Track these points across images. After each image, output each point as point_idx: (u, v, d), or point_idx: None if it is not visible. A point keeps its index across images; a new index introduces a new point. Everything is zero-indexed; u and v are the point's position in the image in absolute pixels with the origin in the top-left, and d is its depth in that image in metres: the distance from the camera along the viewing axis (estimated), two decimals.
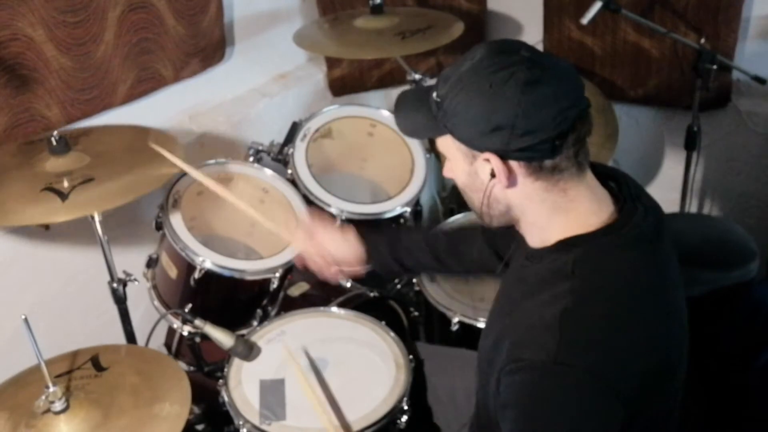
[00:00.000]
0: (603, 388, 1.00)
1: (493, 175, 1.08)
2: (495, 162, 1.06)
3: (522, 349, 1.04)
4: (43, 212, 1.50)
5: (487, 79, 1.03)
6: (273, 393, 1.57)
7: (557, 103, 1.02)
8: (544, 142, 1.03)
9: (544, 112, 1.02)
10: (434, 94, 1.10)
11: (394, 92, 2.98)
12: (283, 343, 1.65)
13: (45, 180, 1.57)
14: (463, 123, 1.06)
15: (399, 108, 1.20)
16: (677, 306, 1.16)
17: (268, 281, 1.80)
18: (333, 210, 1.93)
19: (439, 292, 1.91)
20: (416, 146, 2.15)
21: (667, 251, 1.17)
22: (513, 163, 1.07)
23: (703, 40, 2.10)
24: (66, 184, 1.55)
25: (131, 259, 1.91)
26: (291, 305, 1.93)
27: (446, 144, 1.13)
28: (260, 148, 2.09)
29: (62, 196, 1.52)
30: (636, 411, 1.03)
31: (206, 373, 1.86)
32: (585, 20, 2.08)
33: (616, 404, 1.00)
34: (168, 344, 2.02)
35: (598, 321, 1.03)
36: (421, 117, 1.13)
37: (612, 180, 1.19)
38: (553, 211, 1.11)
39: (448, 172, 1.18)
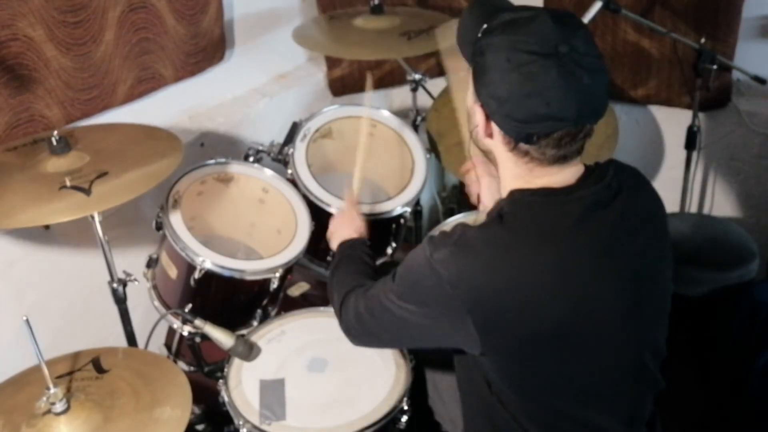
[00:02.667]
0: (450, 284, 1.14)
1: (477, 124, 1.21)
2: (481, 116, 1.19)
3: (431, 239, 1.20)
4: (71, 208, 1.50)
5: (510, 56, 1.10)
6: (273, 393, 1.57)
7: (546, 109, 1.08)
8: (520, 130, 1.13)
9: (530, 109, 1.09)
10: (481, 32, 1.17)
11: (395, 92, 2.99)
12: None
13: (56, 179, 1.57)
14: (478, 71, 1.16)
15: (468, 12, 1.28)
16: (610, 273, 1.17)
17: (268, 281, 1.80)
18: (333, 210, 1.93)
19: None
20: (416, 146, 2.15)
21: (619, 224, 1.19)
22: (494, 126, 1.18)
23: (703, 40, 2.10)
24: (80, 180, 1.56)
25: (131, 259, 1.91)
26: (291, 305, 1.93)
27: (468, 72, 1.23)
28: (260, 148, 2.09)
29: (85, 191, 1.53)
30: (497, 340, 1.16)
31: (206, 373, 1.86)
32: (585, 20, 2.08)
33: (460, 305, 1.14)
34: (168, 344, 2.02)
35: (487, 247, 1.15)
36: (468, 35, 1.21)
37: (611, 170, 1.23)
38: (516, 178, 1.21)
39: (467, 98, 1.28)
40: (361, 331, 1.36)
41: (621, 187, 1.20)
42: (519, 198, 1.19)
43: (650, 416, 1.31)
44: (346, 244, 1.60)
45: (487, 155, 1.28)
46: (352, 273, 1.49)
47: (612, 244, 1.17)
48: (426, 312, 1.20)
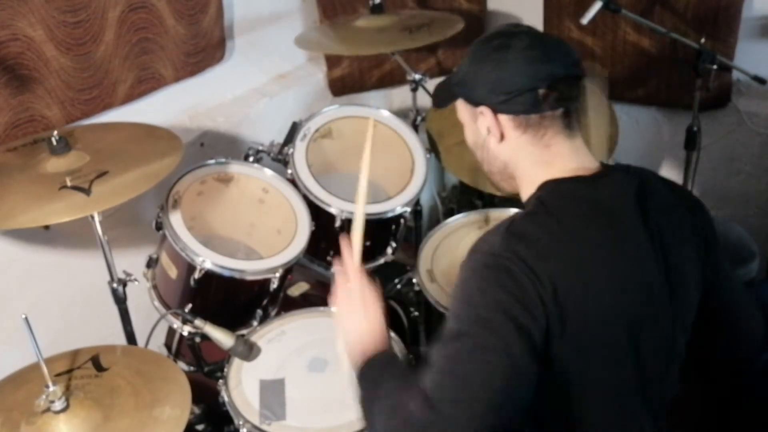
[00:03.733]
0: (523, 266, 1.08)
1: (489, 131, 1.23)
2: (487, 115, 1.22)
3: (475, 244, 1.17)
4: (71, 208, 1.50)
5: (485, 47, 1.21)
6: (273, 393, 1.57)
7: (540, 63, 1.17)
8: (525, 94, 1.17)
9: (523, 69, 1.17)
10: (454, 69, 1.30)
11: (394, 92, 2.99)
12: None
13: (56, 180, 1.57)
14: (465, 85, 1.25)
15: (437, 86, 1.38)
16: (630, 265, 1.17)
17: (268, 281, 1.80)
18: (333, 210, 1.93)
19: (439, 292, 1.91)
20: (416, 146, 2.15)
21: (638, 215, 1.19)
22: (502, 117, 1.21)
23: (703, 40, 2.10)
24: (80, 180, 1.56)
25: (131, 259, 1.91)
26: (291, 305, 1.93)
27: (460, 109, 1.31)
28: (260, 148, 2.09)
29: (85, 191, 1.53)
30: (556, 329, 1.09)
31: (206, 373, 1.86)
32: (585, 20, 2.08)
33: (534, 281, 1.08)
34: (168, 344, 2.02)
35: (539, 231, 1.13)
36: (445, 91, 1.33)
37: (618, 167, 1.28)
38: (537, 164, 1.22)
39: (466, 137, 1.34)
40: (451, 408, 1.04)
41: (643, 179, 1.24)
42: (554, 186, 1.20)
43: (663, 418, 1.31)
44: (374, 366, 1.21)
45: (503, 177, 1.29)
46: (395, 397, 1.12)
47: (647, 232, 1.18)
48: (497, 314, 1.06)
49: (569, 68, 1.19)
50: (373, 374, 1.20)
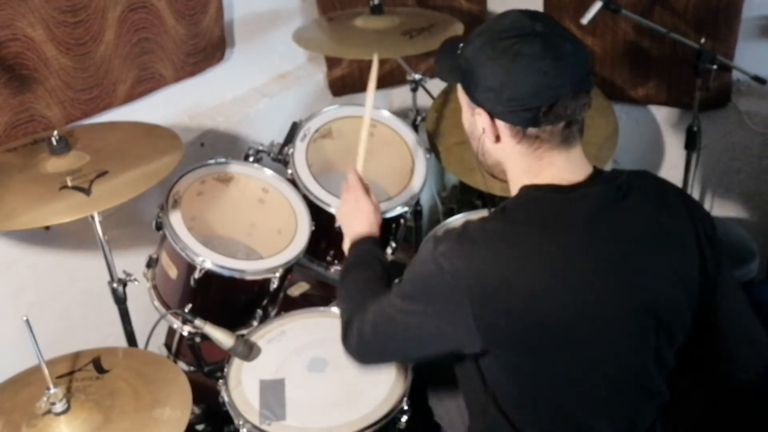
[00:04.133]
0: (453, 278, 1.14)
1: (484, 130, 1.22)
2: (484, 118, 1.20)
3: (434, 239, 1.20)
4: (71, 208, 1.50)
5: (493, 46, 1.15)
6: (273, 393, 1.57)
7: (544, 78, 1.12)
8: (525, 111, 1.14)
9: (529, 83, 1.12)
10: (460, 46, 1.24)
11: (394, 92, 2.99)
12: None
13: (56, 180, 1.57)
14: (468, 77, 1.20)
15: (438, 50, 1.35)
16: (616, 272, 1.16)
17: (268, 281, 1.80)
18: (333, 210, 1.93)
19: None
20: (416, 146, 2.15)
21: (629, 222, 1.18)
22: (499, 123, 1.19)
23: (703, 40, 2.10)
24: (80, 180, 1.56)
25: (131, 259, 1.91)
26: (291, 305, 1.93)
27: (460, 92, 1.27)
28: (260, 148, 2.09)
29: (85, 191, 1.53)
30: (497, 334, 1.15)
31: (206, 373, 1.86)
32: (585, 20, 2.08)
33: (462, 298, 1.13)
34: (168, 344, 2.02)
35: (488, 240, 1.15)
36: (448, 62, 1.27)
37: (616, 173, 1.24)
38: (525, 173, 1.22)
39: (463, 120, 1.33)
40: (366, 350, 1.34)
41: (631, 190, 1.20)
42: (525, 193, 1.20)
43: (650, 425, 1.30)
44: (356, 246, 1.52)
45: (495, 170, 1.30)
46: (361, 285, 1.42)
47: (617, 245, 1.17)
48: (429, 310, 1.18)
49: (579, 82, 1.15)
50: (357, 256, 1.49)
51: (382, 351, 1.34)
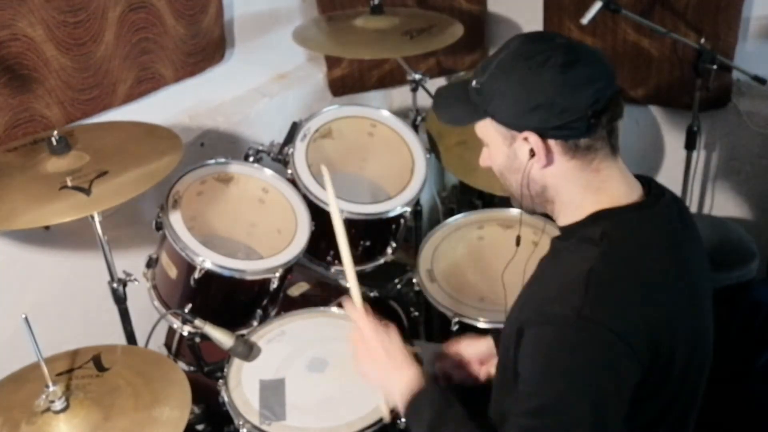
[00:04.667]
0: (624, 346, 1.02)
1: (531, 155, 1.14)
2: (534, 140, 1.12)
3: (547, 304, 1.09)
4: (71, 208, 1.50)
5: (526, 63, 1.10)
6: (273, 393, 1.57)
7: (593, 84, 1.09)
8: (579, 120, 1.09)
9: (581, 90, 1.09)
10: (473, 83, 1.18)
11: (395, 92, 2.99)
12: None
13: (56, 180, 1.57)
14: (503, 105, 1.13)
15: (438, 100, 1.27)
16: (698, 293, 1.18)
17: (268, 281, 1.80)
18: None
19: (439, 292, 1.91)
20: (416, 146, 2.15)
21: (692, 240, 1.21)
22: (551, 142, 1.13)
23: (703, 40, 2.10)
24: (80, 180, 1.56)
25: (131, 259, 1.91)
26: (291, 305, 1.93)
27: (485, 129, 1.19)
28: (260, 148, 2.09)
29: (85, 191, 1.53)
30: (649, 383, 1.06)
31: (206, 373, 1.86)
32: (585, 20, 2.08)
33: (635, 364, 1.03)
34: (168, 344, 2.02)
35: (623, 283, 1.07)
36: (461, 106, 1.20)
37: (639, 178, 1.24)
38: (587, 189, 1.16)
39: (485, 160, 1.25)
40: None
41: (672, 197, 1.21)
42: (616, 219, 1.14)
43: None
44: (421, 407, 1.22)
45: (538, 200, 1.21)
46: None
47: (697, 260, 1.19)
48: (592, 402, 1.02)
49: (612, 84, 1.13)
50: (428, 416, 1.19)
51: None
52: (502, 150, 1.19)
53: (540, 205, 1.23)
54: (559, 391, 1.03)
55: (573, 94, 1.09)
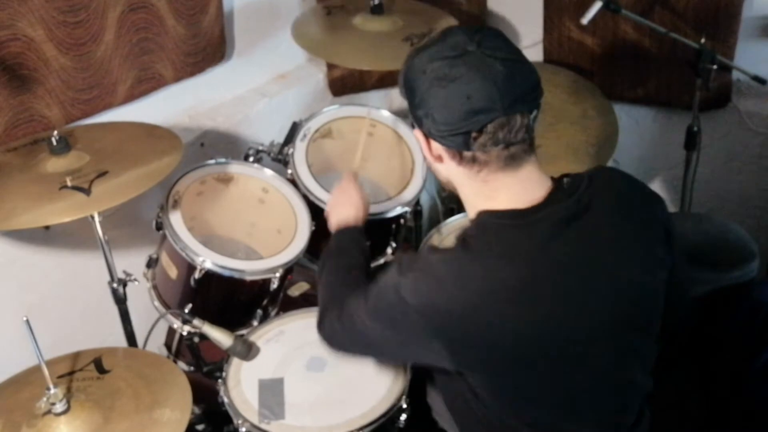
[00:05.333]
0: (420, 322, 1.15)
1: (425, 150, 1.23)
2: (422, 140, 1.21)
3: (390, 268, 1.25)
4: (71, 208, 1.50)
5: (426, 68, 1.14)
6: (272, 392, 1.57)
7: (468, 104, 1.09)
8: (455, 135, 1.13)
9: (455, 109, 1.11)
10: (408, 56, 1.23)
11: (394, 92, 2.98)
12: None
13: (56, 180, 1.57)
14: (409, 96, 1.19)
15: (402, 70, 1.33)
16: (580, 292, 1.17)
17: (268, 281, 1.80)
18: None
19: None
20: (416, 146, 2.15)
21: (587, 237, 1.18)
22: (436, 145, 1.19)
23: (703, 40, 2.10)
24: (80, 180, 1.56)
25: (131, 259, 1.91)
26: (291, 305, 1.93)
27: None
28: (260, 148, 2.09)
29: (85, 191, 1.53)
30: (468, 362, 1.17)
31: (205, 373, 1.86)
32: (585, 20, 2.08)
33: (429, 333, 1.15)
34: (168, 344, 2.02)
35: (451, 272, 1.15)
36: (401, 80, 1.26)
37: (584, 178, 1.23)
38: (476, 195, 1.22)
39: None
40: (337, 344, 1.42)
41: (592, 200, 1.19)
42: (485, 220, 1.20)
43: (637, 417, 1.31)
44: (340, 232, 1.59)
45: (449, 187, 1.30)
46: (340, 275, 1.48)
47: (583, 259, 1.17)
48: (395, 335, 1.22)
49: (512, 105, 1.10)
50: (339, 244, 1.56)
51: (351, 349, 1.42)
52: (419, 138, 1.24)
53: (453, 190, 1.30)
54: (377, 298, 1.26)
55: (445, 110, 1.11)
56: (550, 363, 1.18)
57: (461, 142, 1.13)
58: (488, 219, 1.19)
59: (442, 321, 1.14)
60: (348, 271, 1.47)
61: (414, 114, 1.19)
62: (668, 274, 1.26)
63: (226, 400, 1.56)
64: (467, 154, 1.15)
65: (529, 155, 1.18)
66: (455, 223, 2.15)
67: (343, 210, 1.62)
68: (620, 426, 1.29)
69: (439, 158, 1.21)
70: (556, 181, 1.22)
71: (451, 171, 1.22)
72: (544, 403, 1.22)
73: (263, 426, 1.49)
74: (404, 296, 1.16)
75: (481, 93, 1.09)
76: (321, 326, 1.43)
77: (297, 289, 2.10)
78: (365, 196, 1.65)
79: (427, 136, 1.18)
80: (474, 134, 1.11)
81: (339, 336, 1.38)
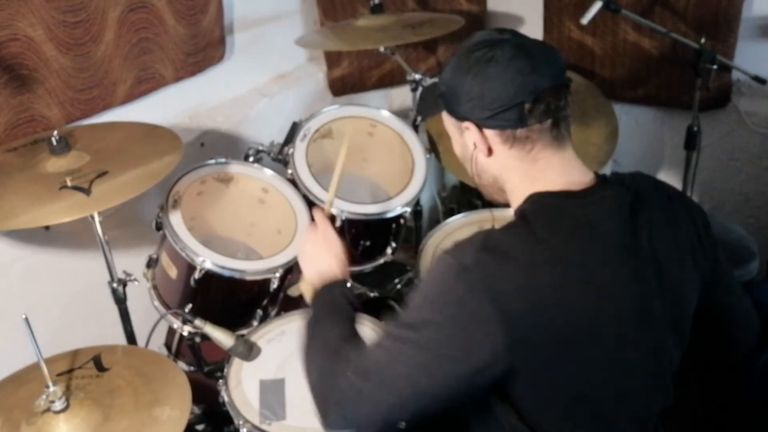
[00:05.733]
0: (488, 302, 1.07)
1: (475, 146, 1.22)
2: (473, 130, 1.20)
3: (448, 251, 1.16)
4: (71, 208, 1.50)
5: (468, 59, 1.18)
6: (273, 393, 1.57)
7: (524, 76, 1.13)
8: (509, 110, 1.14)
9: (508, 82, 1.14)
10: (438, 78, 1.26)
11: (394, 92, 2.99)
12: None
13: (56, 180, 1.57)
14: (450, 97, 1.22)
15: (421, 94, 1.39)
16: (618, 284, 1.16)
17: (268, 281, 1.80)
18: (333, 210, 1.93)
19: None
20: (416, 146, 2.15)
21: (651, 229, 1.19)
22: (488, 132, 1.19)
23: (703, 40, 2.10)
24: (80, 180, 1.56)
25: (131, 259, 1.91)
26: (291, 305, 1.93)
27: (446, 121, 1.28)
28: (260, 148, 2.09)
29: (85, 191, 1.53)
30: (527, 349, 1.09)
31: (206, 373, 1.86)
32: (585, 20, 2.08)
33: (493, 312, 1.06)
34: (168, 344, 2.02)
35: (514, 248, 1.11)
36: (430, 99, 1.31)
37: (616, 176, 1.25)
38: (526, 178, 1.21)
39: (454, 149, 1.32)
40: (356, 411, 1.13)
41: (645, 195, 1.21)
42: (539, 200, 1.18)
43: (654, 427, 1.31)
44: (325, 290, 1.34)
45: (492, 189, 1.28)
46: (337, 340, 1.22)
47: (640, 250, 1.17)
48: (449, 331, 1.09)
49: (556, 77, 1.16)
50: (326, 302, 1.31)
51: (384, 401, 1.11)
52: (458, 140, 1.28)
53: (497, 194, 1.28)
54: (427, 312, 1.12)
55: (504, 85, 1.14)
56: (607, 349, 1.15)
57: (516, 117, 1.15)
58: (543, 199, 1.18)
59: (510, 301, 1.07)
60: (346, 337, 1.23)
61: (461, 110, 1.20)
62: (703, 283, 1.27)
63: (226, 400, 1.56)
64: (521, 132, 1.16)
65: (569, 139, 1.21)
66: (455, 223, 2.16)
67: (323, 260, 1.40)
68: (647, 427, 1.28)
69: (490, 151, 1.20)
70: (598, 174, 1.24)
71: (499, 161, 1.21)
72: (591, 394, 1.18)
73: (264, 426, 1.49)
74: (469, 277, 1.08)
75: (527, 66, 1.14)
76: (330, 409, 1.15)
77: (297, 289, 2.10)
78: (338, 238, 1.44)
79: (480, 126, 1.18)
80: (528, 105, 1.14)
81: (356, 396, 1.12)
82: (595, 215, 1.15)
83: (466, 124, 1.20)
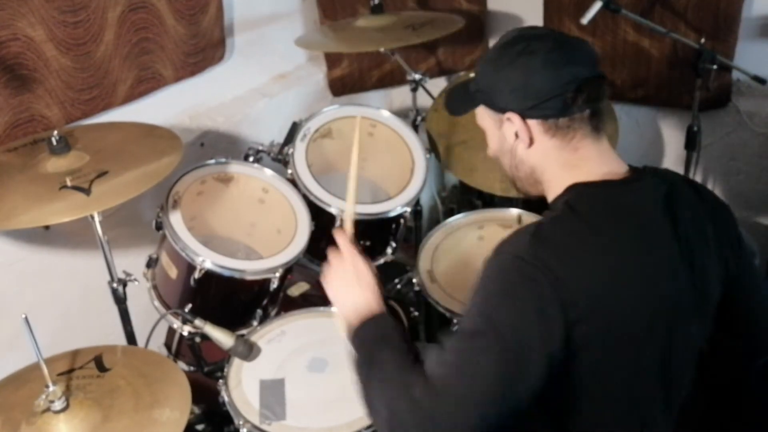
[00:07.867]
0: (550, 288, 1.07)
1: (516, 136, 1.22)
2: (516, 120, 1.21)
3: (499, 247, 1.15)
4: (71, 208, 1.50)
5: (507, 52, 1.20)
6: (273, 393, 1.57)
7: (565, 66, 1.16)
8: (554, 99, 1.17)
9: (555, 72, 1.16)
10: (472, 75, 1.29)
11: (394, 92, 2.99)
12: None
13: (56, 180, 1.57)
14: (489, 90, 1.24)
15: (448, 95, 1.40)
16: (666, 272, 1.18)
17: (268, 281, 1.80)
18: (333, 210, 1.93)
19: (439, 292, 1.91)
20: (416, 146, 2.15)
21: (686, 222, 1.21)
22: (531, 122, 1.21)
23: (703, 40, 2.10)
24: (80, 180, 1.56)
25: (131, 259, 1.91)
26: (291, 305, 1.93)
27: (481, 115, 1.30)
28: (260, 148, 2.09)
29: (85, 191, 1.53)
30: (584, 336, 1.09)
31: (206, 373, 1.86)
32: (585, 20, 2.08)
33: (558, 310, 1.07)
34: (168, 344, 2.02)
35: (567, 236, 1.13)
36: (462, 98, 1.33)
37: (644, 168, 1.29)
38: (565, 167, 1.22)
39: (489, 148, 1.33)
40: (444, 409, 1.06)
41: (672, 183, 1.25)
42: (581, 189, 1.20)
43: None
44: (366, 326, 1.24)
45: (528, 182, 1.29)
46: (398, 375, 1.14)
47: (680, 239, 1.19)
48: (515, 326, 1.06)
49: (593, 69, 1.19)
50: (370, 337, 1.22)
51: (462, 402, 1.06)
52: (495, 133, 1.28)
53: (532, 186, 1.29)
54: (489, 314, 1.09)
55: (547, 75, 1.16)
56: (647, 335, 1.17)
57: (559, 106, 1.17)
58: (586, 188, 1.20)
59: (569, 288, 1.08)
60: (410, 359, 1.16)
61: (502, 101, 1.21)
62: (727, 277, 1.28)
63: (226, 400, 1.56)
64: (563, 121, 1.18)
65: (604, 130, 1.23)
66: (455, 223, 2.16)
67: (357, 295, 1.28)
68: (674, 417, 1.29)
69: (531, 141, 1.22)
70: (629, 165, 1.27)
71: (539, 151, 1.22)
72: (636, 379, 1.19)
73: (264, 427, 1.49)
74: (528, 268, 1.08)
75: (568, 57, 1.17)
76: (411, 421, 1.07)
77: (297, 289, 2.10)
78: (371, 263, 1.34)
79: (523, 115, 1.20)
80: (570, 95, 1.16)
81: (448, 420, 1.05)
82: (638, 203, 1.18)
83: (508, 114, 1.21)
